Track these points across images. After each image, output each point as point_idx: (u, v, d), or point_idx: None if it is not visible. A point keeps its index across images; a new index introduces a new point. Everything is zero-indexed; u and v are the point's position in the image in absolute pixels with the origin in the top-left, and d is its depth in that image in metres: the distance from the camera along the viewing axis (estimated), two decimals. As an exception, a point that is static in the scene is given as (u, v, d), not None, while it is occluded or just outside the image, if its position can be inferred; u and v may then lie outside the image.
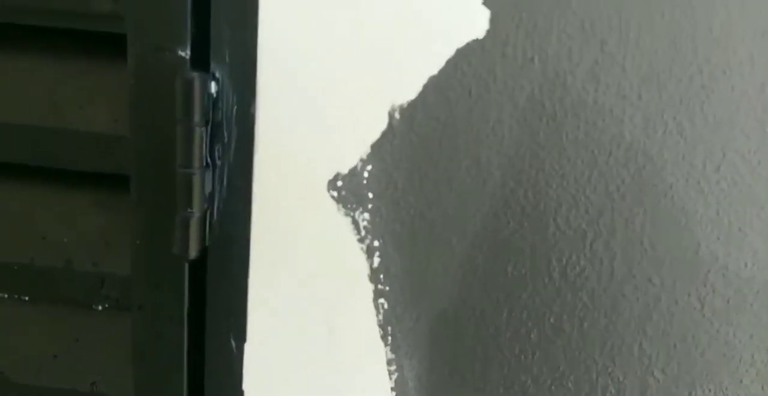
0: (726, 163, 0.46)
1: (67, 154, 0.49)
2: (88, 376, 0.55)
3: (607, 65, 0.44)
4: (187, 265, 0.49)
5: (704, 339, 0.49)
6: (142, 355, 0.51)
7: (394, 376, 0.52)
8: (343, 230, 0.48)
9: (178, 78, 0.44)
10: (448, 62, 0.45)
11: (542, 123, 0.45)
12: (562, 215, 0.47)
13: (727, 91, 0.44)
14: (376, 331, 0.50)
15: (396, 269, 0.49)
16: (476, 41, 0.44)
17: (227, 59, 0.45)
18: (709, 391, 0.50)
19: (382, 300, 0.50)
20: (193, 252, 0.47)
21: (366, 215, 0.48)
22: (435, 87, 0.45)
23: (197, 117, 0.44)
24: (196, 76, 0.44)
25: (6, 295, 0.53)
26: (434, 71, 0.45)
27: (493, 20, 0.44)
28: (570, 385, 0.50)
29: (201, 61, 0.46)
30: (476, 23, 0.44)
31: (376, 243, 0.49)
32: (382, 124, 0.46)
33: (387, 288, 0.49)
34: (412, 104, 0.46)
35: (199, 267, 0.50)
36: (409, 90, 0.45)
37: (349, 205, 0.48)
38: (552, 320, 0.50)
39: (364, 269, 0.49)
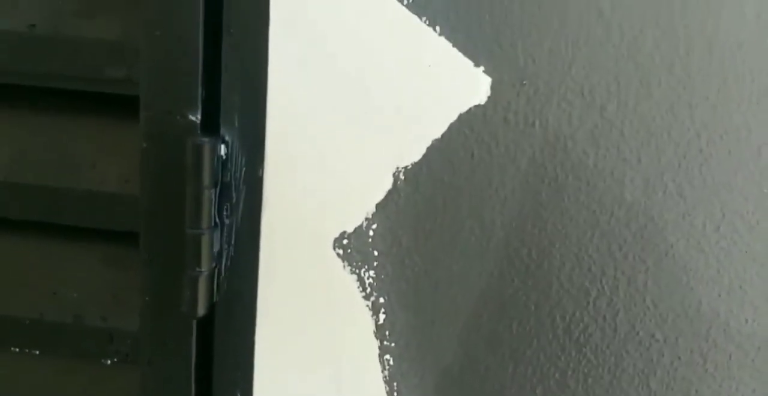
0: (725, 224, 0.47)
1: (79, 213, 0.50)
2: (96, 428, 0.55)
3: (607, 130, 0.45)
4: (195, 322, 0.50)
5: (707, 394, 0.50)
6: (150, 409, 0.52)
7: (400, 431, 0.52)
8: (348, 287, 0.49)
9: (189, 142, 0.45)
10: (451, 126, 0.46)
11: (544, 185, 0.46)
12: (565, 273, 0.48)
13: (724, 154, 0.45)
14: (382, 388, 0.51)
15: (401, 326, 0.50)
16: (478, 107, 0.45)
17: (236, 123, 0.47)
18: (714, 447, 0.50)
19: (387, 356, 0.50)
20: (201, 310, 0.48)
21: (371, 273, 0.49)
22: (438, 150, 0.46)
23: (206, 180, 0.46)
24: (206, 141, 0.45)
25: (17, 349, 0.54)
26: (437, 135, 0.46)
27: (494, 87, 0.45)
28: (575, 440, 0.51)
29: (211, 123, 0.48)
30: (478, 90, 0.45)
31: (381, 300, 0.49)
32: (387, 185, 0.47)
33: (392, 344, 0.50)
34: (417, 166, 0.47)
35: (206, 322, 0.51)
36: (413, 152, 0.47)
37: (354, 263, 0.49)
38: (557, 376, 0.50)
39: (370, 326, 0.50)
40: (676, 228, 0.47)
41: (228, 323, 0.50)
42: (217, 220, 0.48)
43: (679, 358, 0.49)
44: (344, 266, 0.49)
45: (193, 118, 0.46)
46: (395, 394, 0.51)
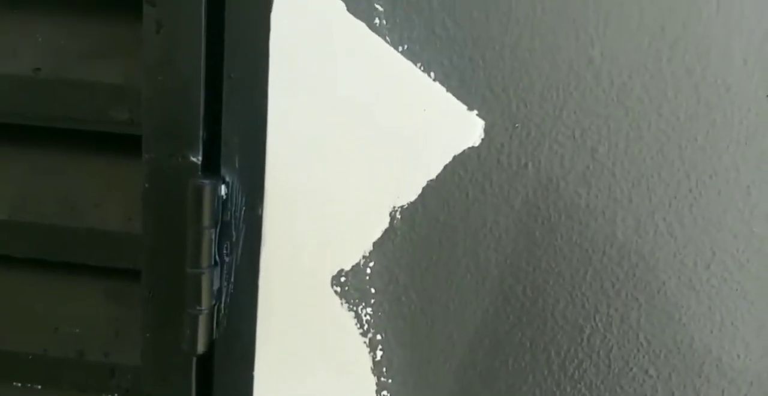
0: (716, 262, 0.47)
1: (82, 251, 0.51)
2: (97, 462, 0.55)
3: (598, 171, 0.46)
4: (195, 358, 0.50)
5: (702, 428, 0.50)
6: (150, 443, 0.52)
7: (397, 466, 0.52)
8: (346, 324, 0.50)
9: (190, 184, 0.46)
10: (446, 167, 0.47)
11: (537, 224, 0.47)
12: (559, 310, 0.49)
13: (714, 194, 0.46)
14: (379, 423, 0.51)
15: (398, 362, 0.50)
16: (472, 149, 0.46)
17: (237, 164, 0.48)
18: None
19: (385, 392, 0.51)
20: (200, 347, 0.49)
21: (369, 310, 0.50)
22: (434, 190, 0.47)
23: (207, 221, 0.46)
24: (207, 183, 0.46)
25: (20, 384, 0.54)
26: (433, 176, 0.47)
27: (487, 130, 0.46)
28: None
29: (212, 164, 0.49)
30: (472, 132, 0.46)
31: (378, 337, 0.50)
32: (384, 224, 0.48)
33: (389, 381, 0.51)
34: (413, 205, 0.48)
35: (206, 358, 0.52)
36: (409, 192, 0.48)
37: (352, 300, 0.50)
38: (552, 411, 0.51)
39: (367, 362, 0.50)
40: (668, 266, 0.47)
41: (227, 360, 0.51)
42: (217, 258, 0.49)
43: (673, 393, 0.49)
44: (342, 303, 0.49)
45: (195, 160, 0.47)
46: (393, 429, 0.52)
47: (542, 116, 0.45)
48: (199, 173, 0.47)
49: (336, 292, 0.49)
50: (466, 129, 0.46)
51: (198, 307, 0.48)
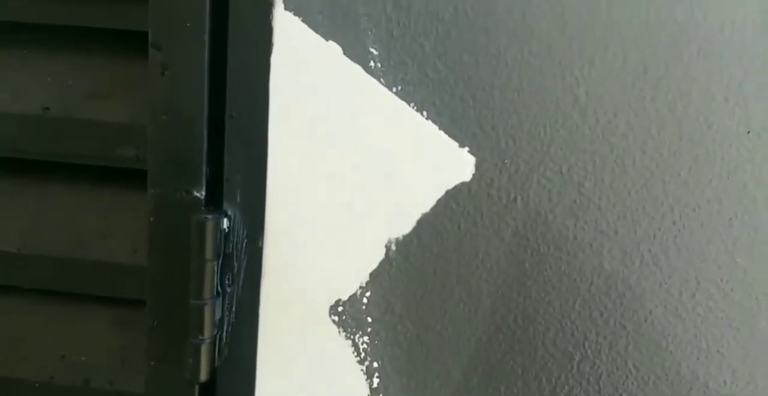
0: (700, 291, 0.49)
1: (89, 281, 0.53)
2: None
3: (585, 205, 0.48)
4: (197, 386, 0.52)
5: (692, 452, 0.51)
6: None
7: None
8: (344, 352, 0.51)
9: (193, 219, 0.48)
10: (439, 201, 0.49)
11: (527, 255, 0.49)
12: (549, 338, 0.50)
13: (697, 226, 0.48)
14: (377, 448, 0.53)
15: (395, 390, 0.52)
16: (463, 183, 0.48)
17: (238, 199, 0.49)
18: None
19: (381, 418, 0.52)
20: (203, 376, 0.50)
21: (365, 338, 0.51)
22: (428, 223, 0.49)
23: (209, 254, 0.48)
24: (210, 217, 0.48)
25: (26, 411, 0.56)
26: (426, 209, 0.49)
27: (478, 165, 0.48)
28: None
29: (215, 198, 0.50)
30: (463, 168, 0.48)
31: (375, 364, 0.51)
32: (380, 255, 0.50)
33: (386, 407, 0.52)
34: (407, 237, 0.50)
35: (208, 385, 0.53)
36: (404, 225, 0.49)
37: (349, 329, 0.51)
38: (544, 436, 0.52)
39: (364, 389, 0.52)
40: (654, 295, 0.49)
41: (229, 387, 0.52)
42: (219, 289, 0.51)
43: (663, 418, 0.51)
44: (339, 332, 0.51)
45: (198, 195, 0.49)
46: (390, 454, 0.53)
47: (530, 153, 0.47)
48: (203, 208, 0.49)
49: (334, 321, 0.51)
50: (458, 165, 0.48)
51: (200, 337, 0.50)
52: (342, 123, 0.48)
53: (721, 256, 0.48)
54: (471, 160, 0.48)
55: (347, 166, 0.48)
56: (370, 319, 0.51)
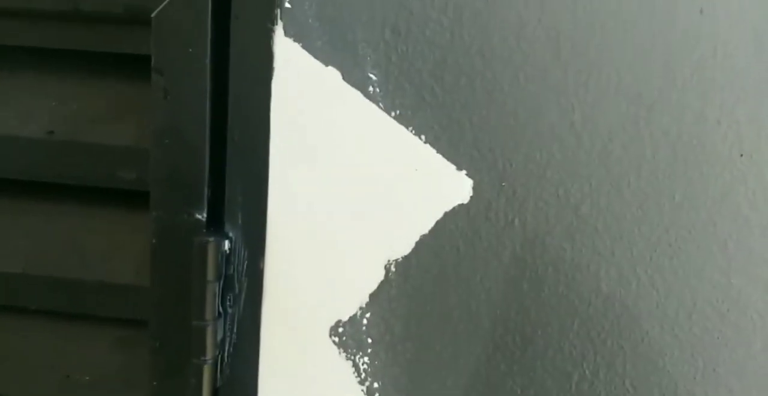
0: (697, 312, 0.49)
1: (93, 302, 0.53)
2: None
3: (581, 227, 0.48)
4: (199, 406, 0.53)
5: (690, 470, 0.52)
6: None
7: None
8: (344, 373, 0.52)
9: (195, 241, 0.49)
10: (437, 223, 0.49)
11: (525, 277, 0.49)
12: (548, 358, 0.51)
13: (693, 248, 0.48)
14: (377, 467, 0.53)
15: (394, 409, 0.52)
16: (462, 205, 0.49)
17: (240, 221, 0.50)
18: None
19: (382, 438, 0.53)
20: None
21: (366, 359, 0.52)
22: (426, 244, 0.50)
23: (211, 276, 0.49)
24: (211, 240, 0.49)
25: (30, 430, 0.56)
26: (425, 231, 0.49)
27: (476, 188, 0.48)
28: None
29: (216, 220, 0.51)
30: (461, 190, 0.49)
31: (375, 385, 0.52)
32: (380, 276, 0.51)
33: (386, 426, 0.53)
34: (407, 259, 0.50)
35: (210, 404, 0.54)
36: (403, 246, 0.50)
37: (350, 350, 0.52)
38: (543, 455, 0.52)
39: (365, 409, 0.52)
40: (651, 316, 0.49)
41: (231, 407, 0.53)
42: (221, 310, 0.51)
43: (661, 437, 0.51)
44: (340, 353, 0.51)
45: (200, 217, 0.50)
46: None
47: (527, 176, 0.48)
48: (204, 230, 0.50)
49: (334, 341, 0.51)
50: (456, 187, 0.49)
51: (203, 357, 0.50)
52: (342, 146, 0.49)
53: (717, 277, 0.49)
54: (469, 182, 0.48)
55: (347, 189, 0.49)
56: (370, 340, 0.52)
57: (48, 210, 0.55)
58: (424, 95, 0.48)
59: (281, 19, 0.47)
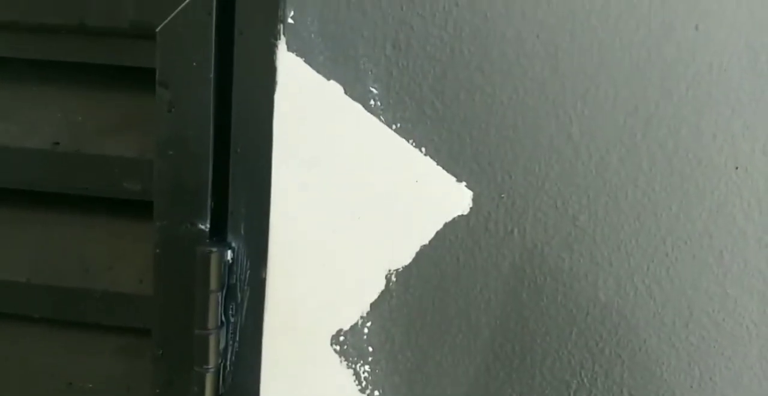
0: (693, 321, 0.50)
1: (96, 311, 0.54)
2: None
3: (580, 237, 0.49)
4: (202, 414, 0.53)
5: None
6: None
7: None
8: (345, 381, 0.52)
9: (198, 251, 0.49)
10: (438, 234, 0.50)
11: (524, 286, 0.50)
12: (547, 367, 0.51)
13: (689, 258, 0.49)
14: None
15: (395, 417, 0.53)
16: (462, 216, 0.50)
17: (242, 231, 0.51)
18: None
19: (382, 446, 0.53)
20: (208, 404, 0.52)
21: (366, 367, 0.52)
22: (426, 254, 0.50)
23: (214, 285, 0.49)
24: (214, 250, 0.49)
25: (33, 438, 0.57)
26: (425, 241, 0.50)
27: (475, 199, 0.49)
28: None
29: (219, 230, 0.52)
30: (461, 201, 0.49)
31: (376, 393, 0.52)
32: (381, 286, 0.51)
33: (387, 434, 0.53)
34: (407, 269, 0.51)
35: (213, 412, 0.54)
36: (403, 256, 0.51)
37: (350, 358, 0.52)
38: (542, 462, 0.53)
39: (366, 417, 0.53)
40: (648, 325, 0.50)
41: (233, 415, 0.53)
42: (223, 319, 0.52)
43: (658, 445, 0.52)
44: (341, 361, 0.52)
45: (203, 227, 0.51)
46: None
47: (526, 187, 0.49)
48: (207, 240, 0.51)
49: (335, 350, 0.52)
50: (456, 199, 0.49)
51: (205, 366, 0.51)
52: (343, 159, 0.49)
53: (713, 288, 0.50)
54: (468, 194, 0.49)
55: (349, 200, 0.50)
56: (371, 349, 0.52)
57: (52, 220, 0.56)
58: (424, 109, 0.48)
59: (284, 34, 0.48)
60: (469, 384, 0.52)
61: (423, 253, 0.50)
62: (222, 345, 0.52)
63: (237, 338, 0.53)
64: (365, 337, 0.52)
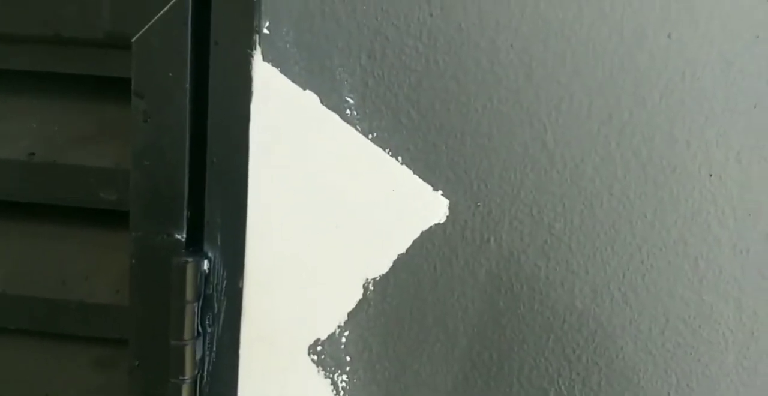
0: (669, 328, 0.50)
1: (73, 322, 0.53)
2: None
3: (555, 245, 0.49)
4: (179, 425, 0.53)
5: None
6: None
7: None
8: (323, 391, 0.52)
9: (174, 261, 0.49)
10: (414, 242, 0.50)
11: (501, 294, 0.50)
12: (524, 375, 0.51)
13: (664, 265, 0.49)
14: None
15: (373, 427, 0.53)
16: (438, 225, 0.50)
17: (219, 241, 0.51)
18: None
19: (361, 456, 0.53)
20: (185, 415, 0.51)
21: (344, 377, 0.52)
22: (404, 263, 0.50)
23: (190, 296, 0.49)
24: (190, 261, 0.49)
25: (9, 451, 0.56)
26: (403, 250, 0.50)
27: (452, 208, 0.49)
28: None
29: (196, 240, 0.52)
30: (438, 210, 0.49)
31: (354, 402, 0.52)
32: (358, 295, 0.51)
33: (366, 444, 0.53)
34: (384, 278, 0.51)
35: (191, 423, 0.54)
36: (380, 265, 0.51)
37: (328, 368, 0.52)
38: (522, 471, 0.53)
39: (344, 427, 0.53)
40: (625, 332, 0.50)
41: (211, 426, 0.53)
42: (200, 329, 0.52)
43: (637, 452, 0.52)
44: (318, 371, 0.52)
45: (179, 237, 0.50)
46: None
47: (502, 195, 0.49)
48: (183, 250, 0.50)
49: (313, 360, 0.52)
50: (432, 207, 0.49)
51: (181, 377, 0.50)
52: (320, 168, 0.49)
53: (688, 294, 0.50)
54: (445, 202, 0.49)
55: (325, 209, 0.50)
56: (348, 358, 0.52)
57: (28, 230, 0.55)
58: (400, 118, 0.49)
59: (260, 44, 0.48)
60: (447, 393, 0.52)
61: (400, 262, 0.50)
62: (198, 355, 0.52)
63: (214, 349, 0.52)
64: (343, 346, 0.52)
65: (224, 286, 0.51)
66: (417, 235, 0.50)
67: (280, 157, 0.49)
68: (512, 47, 0.47)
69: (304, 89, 0.49)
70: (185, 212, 0.50)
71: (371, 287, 0.51)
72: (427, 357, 0.51)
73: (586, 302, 0.50)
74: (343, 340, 0.52)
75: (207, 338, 0.52)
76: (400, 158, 0.49)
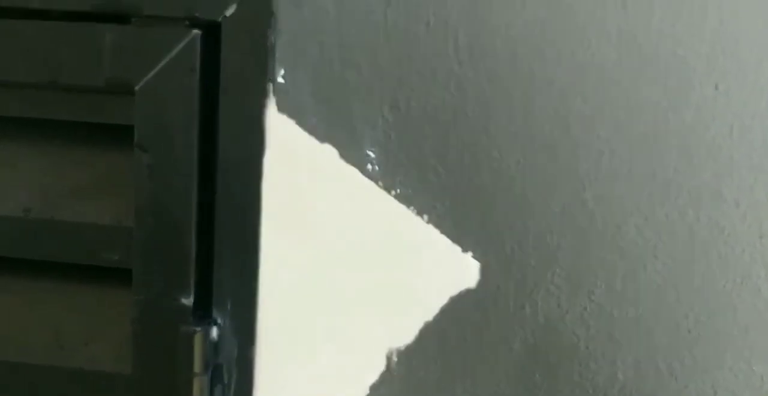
0: (719, 401, 0.47)
1: (69, 390, 0.49)
2: None
3: (596, 312, 0.46)
4: None
5: None
6: None
7: None
8: (342, 469, 0.48)
9: (181, 330, 0.45)
10: (442, 309, 0.46)
11: (537, 366, 0.46)
12: (561, 452, 0.48)
13: (712, 335, 0.46)
14: None
15: None
16: (468, 290, 0.46)
17: (229, 307, 0.47)
18: None
19: None
20: None
21: (365, 454, 0.48)
22: (431, 332, 0.46)
23: (198, 368, 0.45)
24: (198, 330, 0.45)
25: None
26: (429, 318, 0.46)
27: (483, 271, 0.46)
28: None
29: (204, 305, 0.48)
30: (468, 273, 0.46)
31: None
32: (381, 366, 0.47)
33: None
34: (409, 348, 0.47)
35: None
36: (406, 334, 0.47)
37: (347, 444, 0.48)
38: None
39: None
40: (671, 406, 0.47)
41: None
42: (208, 401, 0.48)
43: None
44: (337, 448, 0.48)
45: (186, 302, 0.46)
46: None
47: (537, 258, 0.45)
48: (191, 316, 0.46)
49: (331, 435, 0.48)
50: (462, 271, 0.46)
51: (189, 455, 0.47)
52: (339, 227, 0.46)
53: (738, 365, 0.46)
54: (476, 265, 0.46)
55: (345, 272, 0.46)
56: (369, 434, 0.48)
57: (23, 289, 0.52)
58: (426, 174, 0.45)
59: (274, 94, 0.45)
60: (477, 472, 0.48)
61: (427, 331, 0.46)
62: (207, 430, 0.48)
63: (223, 422, 0.48)
64: (363, 421, 0.48)
65: (235, 355, 0.48)
66: (445, 300, 0.46)
67: (295, 216, 0.46)
68: (549, 101, 0.44)
69: (322, 142, 0.45)
70: (192, 275, 0.46)
71: (395, 358, 0.47)
72: (455, 433, 0.48)
73: (628, 374, 0.46)
74: (364, 414, 0.48)
75: (215, 411, 0.48)
76: (426, 217, 0.45)
